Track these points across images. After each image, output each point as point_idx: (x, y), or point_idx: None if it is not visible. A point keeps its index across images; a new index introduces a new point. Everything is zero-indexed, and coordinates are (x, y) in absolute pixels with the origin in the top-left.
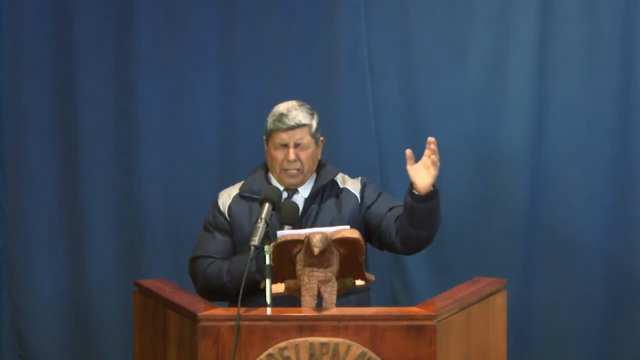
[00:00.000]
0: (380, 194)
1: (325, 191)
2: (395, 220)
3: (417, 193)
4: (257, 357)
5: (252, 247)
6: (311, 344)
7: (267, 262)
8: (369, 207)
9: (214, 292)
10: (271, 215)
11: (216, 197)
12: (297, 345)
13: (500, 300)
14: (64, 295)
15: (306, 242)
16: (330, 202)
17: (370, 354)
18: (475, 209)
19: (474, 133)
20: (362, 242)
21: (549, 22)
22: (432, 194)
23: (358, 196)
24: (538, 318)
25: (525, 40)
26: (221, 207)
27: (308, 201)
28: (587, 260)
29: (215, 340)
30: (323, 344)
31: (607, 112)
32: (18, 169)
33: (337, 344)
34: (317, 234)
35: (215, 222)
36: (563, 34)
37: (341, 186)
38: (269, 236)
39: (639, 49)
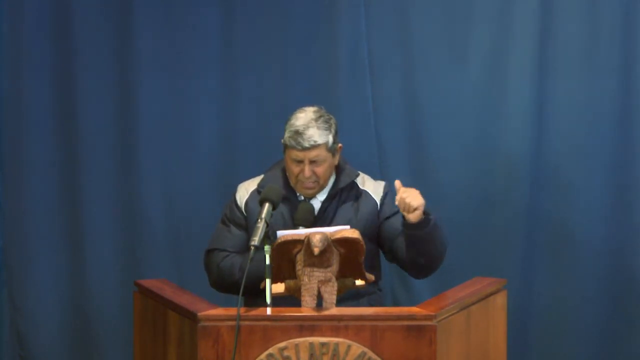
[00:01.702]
0: (399, 211)
1: (343, 193)
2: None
3: (408, 221)
4: (257, 357)
5: (252, 247)
6: (311, 344)
7: (267, 262)
8: (387, 218)
9: (226, 287)
10: (271, 215)
11: (235, 191)
12: (297, 345)
13: (500, 300)
14: (64, 295)
15: (306, 242)
16: (348, 205)
17: (370, 354)
18: (475, 209)
19: (474, 133)
20: (362, 242)
21: (549, 22)
22: (425, 222)
23: (378, 203)
24: (538, 318)
25: (526, 40)
26: (238, 202)
27: (325, 203)
28: (587, 260)
29: (215, 340)
30: (323, 344)
31: (607, 112)
32: (18, 169)
33: (337, 344)
34: (317, 234)
35: (232, 216)
36: (563, 33)
37: (361, 187)
38: (269, 236)
39: (639, 49)
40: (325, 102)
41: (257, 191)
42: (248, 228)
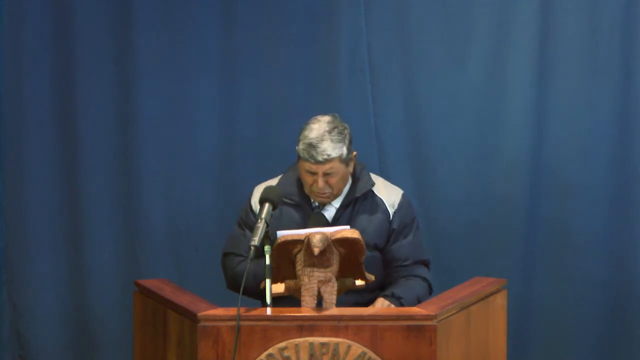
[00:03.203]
0: (409, 230)
1: (358, 202)
2: (395, 275)
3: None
4: (257, 357)
5: (252, 247)
6: (311, 344)
7: (267, 262)
8: (393, 243)
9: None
10: (271, 215)
11: (250, 193)
12: (297, 345)
13: (500, 300)
14: (64, 295)
15: (306, 242)
16: (363, 216)
17: (370, 354)
18: (475, 209)
19: (474, 132)
20: (362, 242)
21: (548, 22)
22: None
23: (391, 213)
24: (538, 318)
25: (525, 40)
26: (253, 206)
27: (339, 211)
28: (587, 260)
29: (215, 340)
30: (323, 344)
31: (607, 112)
32: (18, 169)
33: (337, 344)
34: (317, 234)
35: (247, 220)
36: (563, 33)
37: (377, 194)
38: (268, 236)
39: (639, 49)
40: (325, 102)
41: None
42: None
